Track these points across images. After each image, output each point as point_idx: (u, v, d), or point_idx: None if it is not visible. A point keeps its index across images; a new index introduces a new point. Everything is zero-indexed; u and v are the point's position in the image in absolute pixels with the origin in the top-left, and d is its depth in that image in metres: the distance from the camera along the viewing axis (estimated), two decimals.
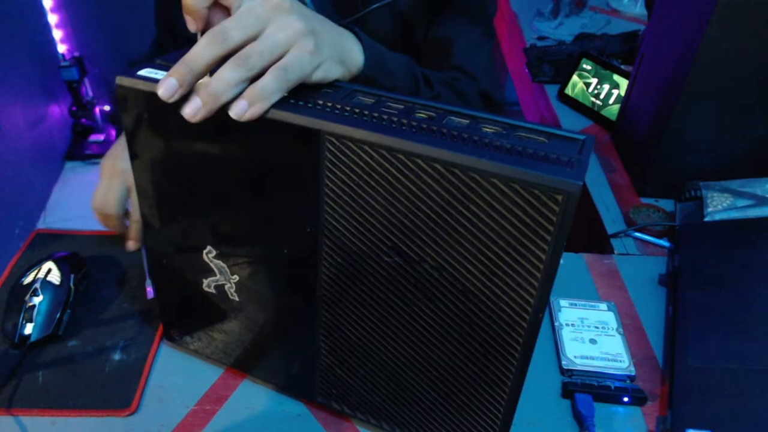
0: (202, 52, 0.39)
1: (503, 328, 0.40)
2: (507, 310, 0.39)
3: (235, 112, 0.39)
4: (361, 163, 0.38)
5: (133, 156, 0.47)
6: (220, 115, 0.40)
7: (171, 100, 0.39)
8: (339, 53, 0.46)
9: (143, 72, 0.43)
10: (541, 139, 0.37)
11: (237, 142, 0.42)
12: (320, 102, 0.40)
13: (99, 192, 0.67)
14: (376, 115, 0.39)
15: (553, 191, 0.33)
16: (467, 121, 0.39)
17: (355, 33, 0.52)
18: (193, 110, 0.39)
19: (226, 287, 0.50)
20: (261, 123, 0.40)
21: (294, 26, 0.41)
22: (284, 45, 0.41)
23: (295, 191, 0.42)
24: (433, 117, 0.39)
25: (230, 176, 0.44)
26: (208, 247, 0.49)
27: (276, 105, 0.40)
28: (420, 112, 0.40)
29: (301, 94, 0.42)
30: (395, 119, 0.38)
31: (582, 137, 0.38)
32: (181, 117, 0.40)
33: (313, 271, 0.45)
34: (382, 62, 0.55)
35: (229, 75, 0.39)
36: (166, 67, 0.43)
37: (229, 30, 0.39)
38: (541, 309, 0.38)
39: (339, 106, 0.40)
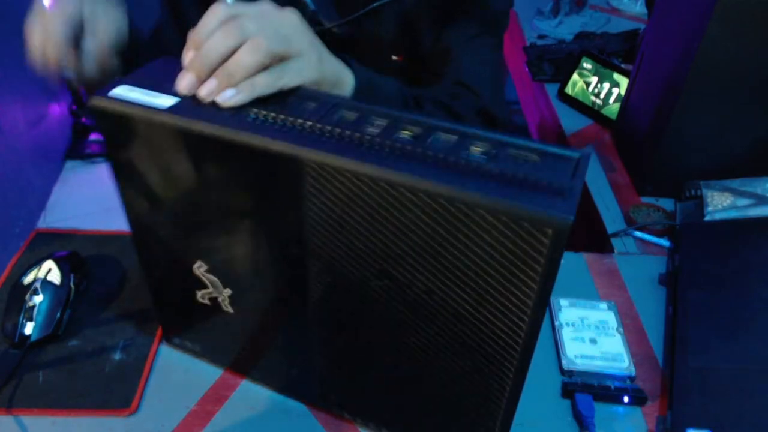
0: (215, 47, 0.40)
1: (496, 350, 0.39)
2: (500, 333, 0.38)
3: (222, 98, 0.40)
4: (344, 190, 0.37)
5: (116, 174, 0.46)
6: (196, 140, 0.39)
7: (192, 93, 0.41)
8: (336, 76, 0.49)
9: (116, 91, 0.42)
10: (533, 157, 0.36)
11: (217, 165, 0.41)
12: (300, 120, 0.39)
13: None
14: (358, 135, 0.37)
15: (543, 224, 0.32)
16: (455, 138, 0.37)
17: (345, 61, 0.53)
18: (209, 91, 0.40)
19: (220, 299, 0.50)
20: (241, 148, 0.38)
21: (306, 36, 0.43)
22: (296, 46, 0.42)
23: (280, 215, 0.41)
24: (418, 135, 0.38)
25: (213, 199, 0.43)
26: (198, 262, 0.48)
27: (254, 128, 0.38)
28: (405, 130, 0.38)
29: (281, 110, 0.40)
30: (378, 141, 0.37)
31: (576, 155, 0.36)
32: (159, 139, 0.40)
33: (303, 291, 0.44)
34: (372, 89, 0.55)
35: (246, 58, 0.40)
36: (139, 84, 0.42)
37: (245, 23, 0.41)
38: (534, 333, 0.37)
39: (320, 126, 0.38)
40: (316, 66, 0.44)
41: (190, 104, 0.41)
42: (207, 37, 0.41)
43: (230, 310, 0.50)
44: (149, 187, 0.45)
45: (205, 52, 0.41)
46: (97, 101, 0.41)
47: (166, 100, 0.41)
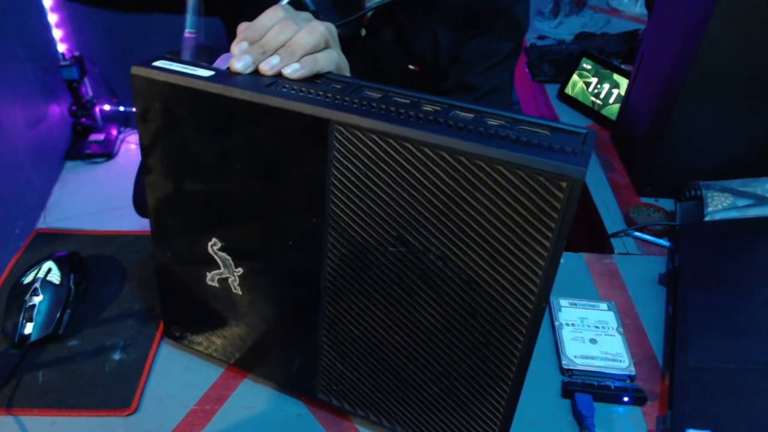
0: (275, 37, 0.45)
1: (506, 318, 0.40)
2: (510, 299, 0.39)
3: (288, 70, 0.44)
4: (368, 153, 0.39)
5: (145, 145, 0.47)
6: (231, 106, 0.41)
7: (245, 72, 0.44)
8: (347, 68, 0.53)
9: (157, 63, 0.44)
10: (545, 132, 0.38)
11: (247, 132, 0.43)
12: (329, 94, 0.41)
13: None
14: (383, 107, 0.39)
15: (558, 178, 0.34)
16: (472, 115, 0.39)
17: None
18: (271, 66, 0.44)
19: (230, 280, 0.51)
20: (271, 112, 0.40)
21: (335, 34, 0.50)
22: (334, 36, 0.48)
23: (302, 182, 0.43)
24: (438, 110, 0.40)
25: (240, 167, 0.45)
26: (214, 239, 0.49)
27: (287, 95, 0.41)
28: (426, 106, 0.40)
29: (311, 86, 0.43)
30: (402, 111, 0.39)
31: (584, 131, 0.38)
32: (193, 107, 0.43)
33: (317, 263, 0.45)
34: None
35: (305, 38, 0.45)
36: (177, 60, 0.45)
37: (298, 20, 0.47)
38: (544, 298, 0.38)
39: (347, 98, 0.41)
40: (341, 56, 0.49)
41: (226, 76, 0.43)
42: (265, 32, 0.45)
43: (239, 292, 0.51)
44: (176, 158, 0.47)
45: (265, 41, 0.45)
46: (139, 70, 0.44)
47: (202, 72, 0.43)
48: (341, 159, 0.40)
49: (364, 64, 0.75)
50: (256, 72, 0.45)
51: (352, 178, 0.40)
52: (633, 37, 1.24)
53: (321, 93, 0.41)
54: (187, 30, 0.47)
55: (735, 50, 0.72)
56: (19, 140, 1.88)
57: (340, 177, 0.41)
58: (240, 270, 0.50)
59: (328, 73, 0.46)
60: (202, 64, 0.45)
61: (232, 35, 0.47)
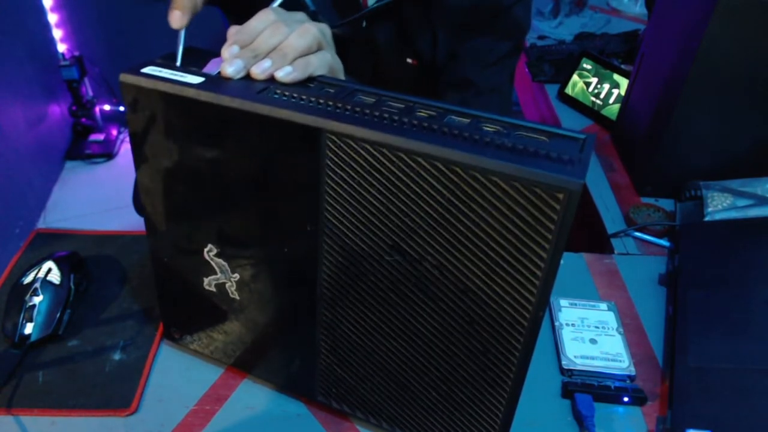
0: (266, 40, 0.44)
1: (504, 327, 0.40)
2: (508, 309, 0.39)
3: (281, 73, 0.44)
4: (362, 162, 0.38)
5: (137, 153, 0.47)
6: (222, 114, 0.41)
7: (236, 77, 0.44)
8: (341, 69, 0.52)
9: (147, 69, 0.44)
10: (542, 138, 0.37)
11: (240, 140, 0.42)
12: (321, 100, 0.41)
13: None
14: (377, 113, 0.39)
15: (555, 189, 0.34)
16: (468, 120, 0.39)
17: None
18: (263, 69, 0.43)
19: (227, 285, 0.51)
20: (263, 120, 0.40)
21: (329, 35, 0.49)
22: (327, 38, 0.48)
23: (296, 190, 0.42)
24: (433, 116, 0.39)
25: (233, 174, 0.44)
26: (209, 246, 0.49)
27: (278, 103, 0.40)
28: (421, 111, 0.40)
29: (303, 92, 0.42)
30: (396, 118, 0.39)
31: (582, 136, 0.38)
32: (184, 115, 0.42)
33: (313, 270, 0.45)
34: None
35: (297, 41, 0.45)
36: (167, 66, 0.44)
37: (289, 23, 0.46)
38: (541, 308, 0.38)
39: (340, 105, 0.40)
40: (335, 57, 0.49)
41: (217, 83, 0.43)
42: (256, 35, 0.44)
43: (236, 296, 0.51)
44: (169, 165, 0.46)
45: (256, 44, 0.44)
46: (128, 78, 0.43)
47: (192, 79, 0.43)
48: (334, 168, 0.40)
49: (362, 56, 0.75)
50: (247, 76, 0.44)
51: (346, 187, 0.40)
52: (633, 37, 1.24)
53: (313, 99, 0.41)
54: (178, 63, 0.46)
55: (735, 50, 0.72)
56: (19, 140, 1.88)
57: (334, 185, 0.40)
58: (236, 276, 0.49)
59: (321, 76, 0.46)
60: (193, 70, 0.44)
61: None
